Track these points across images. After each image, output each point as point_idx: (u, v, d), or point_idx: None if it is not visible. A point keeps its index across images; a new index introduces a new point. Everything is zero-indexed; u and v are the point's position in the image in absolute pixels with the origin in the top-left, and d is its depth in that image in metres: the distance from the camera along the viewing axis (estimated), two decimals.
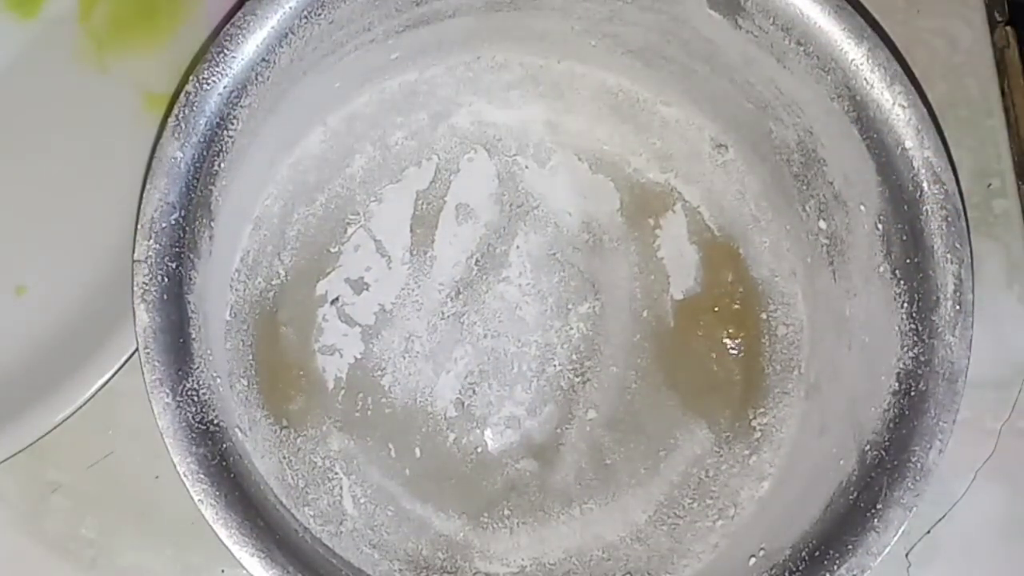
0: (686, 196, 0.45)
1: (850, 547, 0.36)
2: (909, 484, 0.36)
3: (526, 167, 0.44)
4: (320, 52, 0.38)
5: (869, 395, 0.38)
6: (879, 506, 0.36)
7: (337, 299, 0.43)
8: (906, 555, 0.43)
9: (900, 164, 0.37)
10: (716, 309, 0.44)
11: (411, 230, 0.44)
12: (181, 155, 0.36)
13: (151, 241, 0.35)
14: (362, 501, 0.42)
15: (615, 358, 0.43)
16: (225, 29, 0.36)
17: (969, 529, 0.44)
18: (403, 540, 0.42)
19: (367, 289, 0.43)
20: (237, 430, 0.37)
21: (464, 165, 0.44)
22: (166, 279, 0.35)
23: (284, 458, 0.42)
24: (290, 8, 0.36)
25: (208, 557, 0.42)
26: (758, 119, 0.42)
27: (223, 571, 0.42)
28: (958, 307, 0.36)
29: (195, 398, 0.35)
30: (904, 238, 0.37)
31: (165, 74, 0.44)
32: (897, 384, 0.37)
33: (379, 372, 0.43)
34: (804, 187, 0.42)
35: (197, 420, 0.35)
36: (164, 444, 0.35)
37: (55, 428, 0.40)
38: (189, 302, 0.36)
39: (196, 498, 0.34)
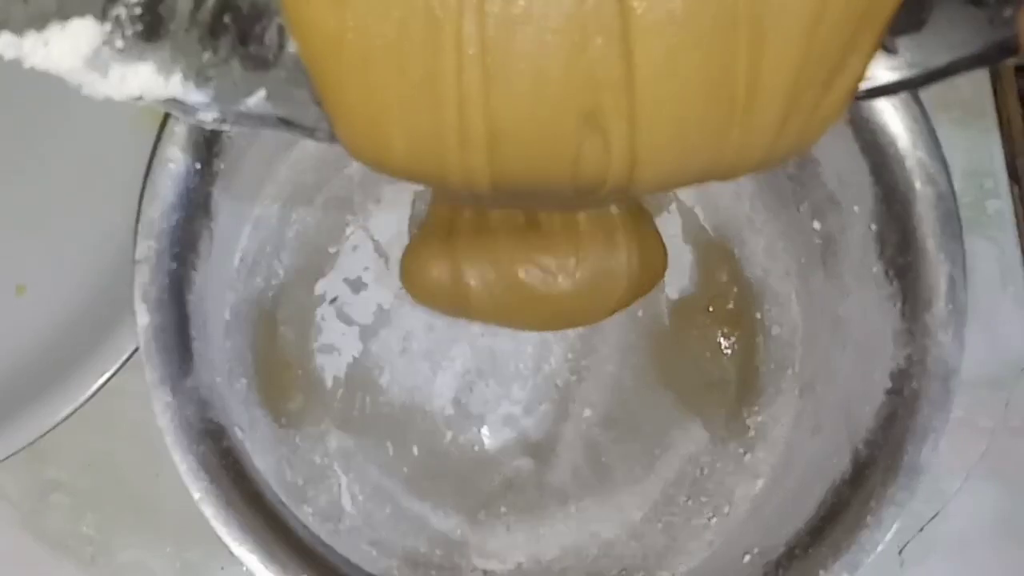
0: (681, 196, 0.45)
1: (843, 545, 0.36)
2: (902, 482, 0.36)
3: None
4: None
5: (863, 394, 0.38)
6: (872, 504, 0.36)
7: (336, 299, 0.43)
8: (899, 553, 0.43)
9: (893, 164, 0.37)
10: (711, 309, 0.44)
11: (409, 230, 0.44)
12: (181, 155, 0.36)
13: (151, 241, 0.36)
14: (360, 499, 0.42)
15: (611, 357, 0.44)
16: None
17: (962, 527, 0.44)
18: (401, 537, 0.42)
19: (365, 289, 0.43)
20: (236, 429, 0.37)
21: None
22: (166, 279, 0.36)
23: (283, 456, 0.42)
24: None
25: (207, 554, 0.42)
26: None
27: (222, 568, 0.42)
28: (951, 307, 0.37)
29: (195, 397, 0.36)
30: (898, 238, 0.38)
31: None
32: (891, 383, 0.37)
33: (377, 371, 0.43)
34: (798, 188, 0.42)
35: (197, 419, 0.35)
36: (164, 442, 0.35)
37: (55, 427, 0.40)
38: (189, 302, 0.36)
39: (196, 496, 0.35)
